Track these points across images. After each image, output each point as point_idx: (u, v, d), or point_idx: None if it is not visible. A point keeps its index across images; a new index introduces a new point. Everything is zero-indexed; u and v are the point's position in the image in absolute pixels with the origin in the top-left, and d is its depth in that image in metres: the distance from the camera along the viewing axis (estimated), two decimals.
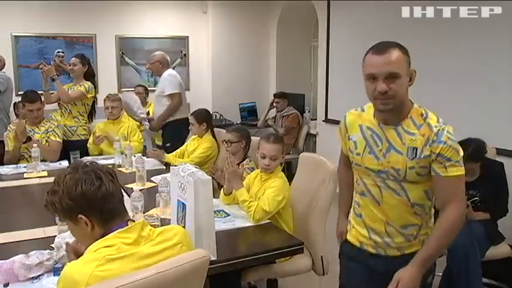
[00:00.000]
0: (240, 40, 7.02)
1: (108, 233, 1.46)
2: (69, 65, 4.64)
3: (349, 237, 2.00)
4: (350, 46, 5.20)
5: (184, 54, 6.98)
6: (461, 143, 3.00)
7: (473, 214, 2.99)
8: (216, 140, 4.05)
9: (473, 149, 2.95)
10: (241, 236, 2.42)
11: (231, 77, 6.96)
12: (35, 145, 3.73)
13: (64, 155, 4.10)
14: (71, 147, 4.11)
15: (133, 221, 1.54)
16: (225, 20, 6.96)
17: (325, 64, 5.71)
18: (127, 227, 1.48)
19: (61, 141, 4.18)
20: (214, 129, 4.17)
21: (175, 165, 2.17)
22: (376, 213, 1.86)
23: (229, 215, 2.60)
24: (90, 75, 4.63)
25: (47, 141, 4.09)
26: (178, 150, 4.14)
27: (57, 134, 4.16)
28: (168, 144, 4.34)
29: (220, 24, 6.95)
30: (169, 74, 4.87)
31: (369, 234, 1.90)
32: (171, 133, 4.73)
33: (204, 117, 4.05)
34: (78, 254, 1.71)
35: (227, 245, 2.22)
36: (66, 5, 6.19)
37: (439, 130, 1.68)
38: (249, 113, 7.04)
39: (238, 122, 6.60)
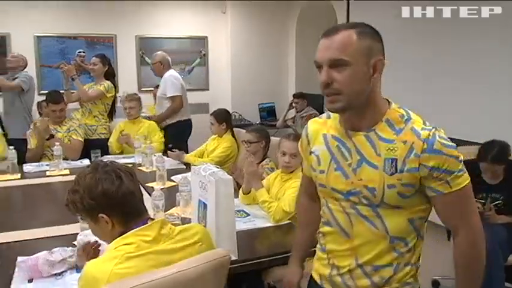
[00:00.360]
0: (259, 40, 7.01)
1: (128, 232, 1.47)
2: (90, 65, 4.70)
3: (312, 272, 1.61)
4: None
5: (204, 54, 7.01)
6: (485, 145, 3.00)
7: (496, 217, 2.95)
8: (235, 139, 4.05)
9: (497, 151, 2.91)
10: (262, 236, 2.42)
11: (250, 77, 6.95)
12: (57, 143, 3.78)
13: (85, 154, 4.15)
14: (91, 146, 4.16)
15: (153, 219, 1.55)
16: (244, 20, 6.97)
17: None
18: (146, 225, 1.49)
19: (82, 140, 4.24)
20: (234, 129, 4.18)
21: (195, 165, 2.18)
22: (344, 249, 1.44)
23: (249, 215, 2.61)
24: (111, 75, 4.69)
25: (68, 140, 4.14)
26: (197, 150, 4.16)
27: (78, 133, 4.21)
28: (170, 145, 4.34)
29: (240, 24, 6.96)
30: (171, 75, 4.90)
31: (331, 270, 1.49)
32: (174, 134, 4.74)
33: (224, 117, 4.07)
34: (91, 258, 1.73)
35: (247, 245, 2.22)
36: (87, 6, 6.26)
37: (428, 136, 1.29)
38: (268, 113, 7.04)
39: (257, 122, 6.61)
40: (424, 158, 1.29)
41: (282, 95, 7.07)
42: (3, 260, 1.96)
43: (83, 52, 5.96)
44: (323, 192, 1.49)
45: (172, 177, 3.30)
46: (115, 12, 6.44)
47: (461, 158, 1.33)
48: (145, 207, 1.57)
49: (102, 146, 4.34)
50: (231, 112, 4.98)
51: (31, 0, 5.97)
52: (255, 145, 3.33)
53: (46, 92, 4.48)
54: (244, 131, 3.68)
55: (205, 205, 1.99)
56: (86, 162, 3.97)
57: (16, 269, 1.85)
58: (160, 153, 3.41)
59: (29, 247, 2.10)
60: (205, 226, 1.93)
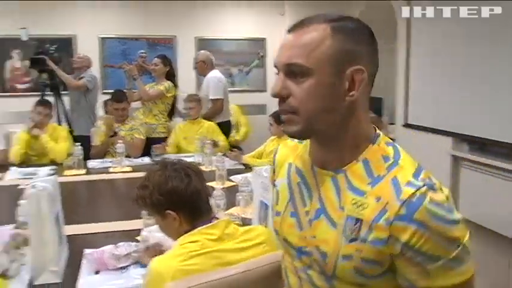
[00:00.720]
0: None
1: (194, 229, 1.50)
2: (151, 65, 4.82)
3: None
4: (432, 47, 5.00)
5: (262, 56, 7.03)
6: None
7: None
8: None
9: None
10: None
11: None
12: (120, 141, 3.90)
13: (146, 152, 4.25)
14: (151, 145, 4.25)
15: (218, 218, 1.57)
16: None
17: (404, 66, 5.53)
18: (212, 223, 1.51)
19: (144, 138, 4.33)
20: None
21: (254, 166, 2.18)
22: None
23: None
24: (171, 75, 4.78)
25: (131, 138, 4.25)
26: (256, 151, 4.16)
27: (141, 131, 4.32)
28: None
29: None
30: (214, 77, 4.88)
31: None
32: None
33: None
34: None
35: None
36: (148, 7, 6.43)
37: (412, 196, 0.86)
38: None
39: None
40: (397, 228, 0.87)
41: None
42: (71, 251, 2.03)
43: (144, 53, 6.12)
44: (279, 240, 1.14)
45: (231, 177, 3.32)
46: (175, 14, 6.57)
47: (464, 240, 0.89)
48: (211, 206, 1.60)
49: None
50: None
51: (96, 0, 6.20)
52: None
53: (109, 91, 4.64)
54: None
55: (266, 206, 1.99)
56: (146, 160, 4.06)
57: (84, 261, 1.92)
58: (221, 153, 3.44)
59: (94, 240, 2.17)
60: (265, 227, 1.93)
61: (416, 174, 0.90)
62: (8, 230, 2.11)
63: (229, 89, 6.03)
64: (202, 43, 6.72)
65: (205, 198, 1.57)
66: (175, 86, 4.79)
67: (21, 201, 2.21)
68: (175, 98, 4.80)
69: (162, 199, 1.51)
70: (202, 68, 5.03)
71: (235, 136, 5.30)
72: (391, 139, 1.01)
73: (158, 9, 6.47)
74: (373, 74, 0.98)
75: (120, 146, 3.82)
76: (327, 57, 0.91)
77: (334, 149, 0.98)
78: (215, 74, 4.94)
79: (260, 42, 7.02)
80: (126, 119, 4.34)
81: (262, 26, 6.98)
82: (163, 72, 4.71)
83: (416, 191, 0.87)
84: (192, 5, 6.57)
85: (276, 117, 4.05)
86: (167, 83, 4.64)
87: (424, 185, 0.87)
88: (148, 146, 4.25)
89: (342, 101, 0.93)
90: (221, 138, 4.40)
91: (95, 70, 5.61)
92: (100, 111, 5.34)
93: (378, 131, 1.01)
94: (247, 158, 3.97)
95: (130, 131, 4.28)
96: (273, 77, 6.59)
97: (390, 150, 0.96)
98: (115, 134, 4.17)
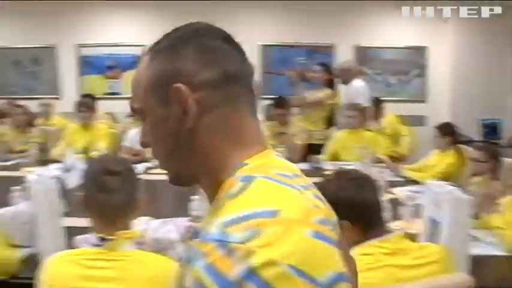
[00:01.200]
0: (484, 50, 6.40)
1: (366, 241, 1.48)
2: (312, 72, 4.89)
3: None
4: None
5: (423, 65, 6.74)
6: None
7: None
8: (462, 156, 3.78)
9: None
10: (489, 264, 2.22)
11: (472, 91, 6.41)
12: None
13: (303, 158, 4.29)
14: (309, 150, 4.30)
15: (391, 232, 1.54)
16: (466, 29, 6.42)
17: None
18: (385, 237, 1.49)
19: (304, 144, 4.38)
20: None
21: (416, 179, 2.11)
22: None
23: (478, 239, 2.41)
24: (332, 83, 4.80)
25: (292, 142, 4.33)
26: (417, 164, 4.00)
27: (301, 137, 4.39)
28: None
29: (462, 34, 6.46)
30: (360, 85, 4.74)
31: None
32: None
33: (449, 131, 3.84)
34: None
35: (472, 272, 2.06)
36: (307, 15, 6.53)
37: (187, 251, 0.68)
38: (491, 129, 6.43)
39: (478, 140, 6.09)
40: None
41: (507, 110, 6.40)
42: None
43: (304, 60, 6.24)
44: None
45: (391, 190, 3.22)
46: (334, 22, 6.59)
47: None
48: (384, 218, 1.57)
49: (318, 151, 4.43)
50: None
51: None
52: (482, 165, 3.08)
53: (269, 96, 4.81)
54: (468, 147, 3.44)
55: (436, 223, 1.91)
56: (305, 165, 4.03)
57: None
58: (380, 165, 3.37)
59: None
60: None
61: (230, 221, 0.62)
62: (183, 222, 2.30)
63: (387, 98, 5.92)
64: (361, 51, 6.67)
65: (378, 210, 1.55)
66: (336, 94, 4.80)
67: (194, 197, 2.39)
68: (334, 105, 4.80)
69: (334, 209, 1.52)
70: (346, 76, 4.91)
71: (394, 148, 5.03)
72: None
73: (317, 17, 6.55)
74: (216, 83, 0.75)
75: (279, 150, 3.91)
76: (148, 89, 0.77)
77: (204, 189, 0.81)
78: (360, 82, 4.84)
79: (421, 51, 6.71)
80: (287, 124, 4.44)
81: (423, 34, 6.67)
82: (323, 79, 4.76)
83: (199, 244, 0.61)
84: (351, 13, 6.55)
85: (441, 130, 3.86)
86: (327, 91, 4.67)
87: (216, 240, 0.60)
88: (307, 151, 4.30)
89: (180, 133, 0.76)
90: (381, 152, 4.26)
91: (256, 76, 5.86)
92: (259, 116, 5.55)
93: (249, 160, 0.75)
94: (408, 170, 3.82)
95: (290, 136, 4.38)
96: (435, 87, 6.33)
97: (237, 186, 0.69)
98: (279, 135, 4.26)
